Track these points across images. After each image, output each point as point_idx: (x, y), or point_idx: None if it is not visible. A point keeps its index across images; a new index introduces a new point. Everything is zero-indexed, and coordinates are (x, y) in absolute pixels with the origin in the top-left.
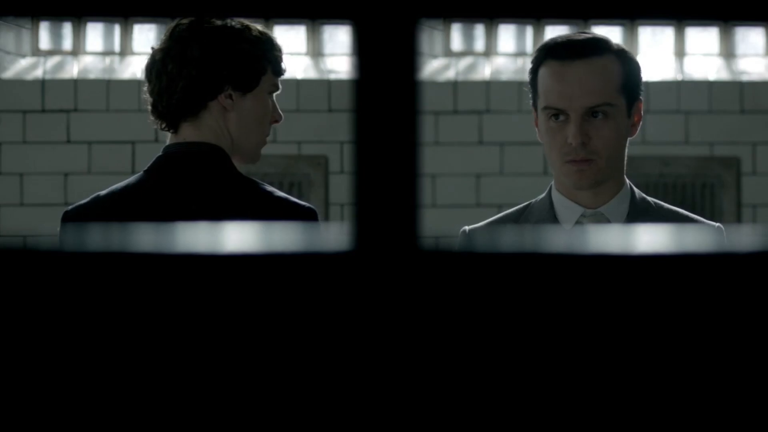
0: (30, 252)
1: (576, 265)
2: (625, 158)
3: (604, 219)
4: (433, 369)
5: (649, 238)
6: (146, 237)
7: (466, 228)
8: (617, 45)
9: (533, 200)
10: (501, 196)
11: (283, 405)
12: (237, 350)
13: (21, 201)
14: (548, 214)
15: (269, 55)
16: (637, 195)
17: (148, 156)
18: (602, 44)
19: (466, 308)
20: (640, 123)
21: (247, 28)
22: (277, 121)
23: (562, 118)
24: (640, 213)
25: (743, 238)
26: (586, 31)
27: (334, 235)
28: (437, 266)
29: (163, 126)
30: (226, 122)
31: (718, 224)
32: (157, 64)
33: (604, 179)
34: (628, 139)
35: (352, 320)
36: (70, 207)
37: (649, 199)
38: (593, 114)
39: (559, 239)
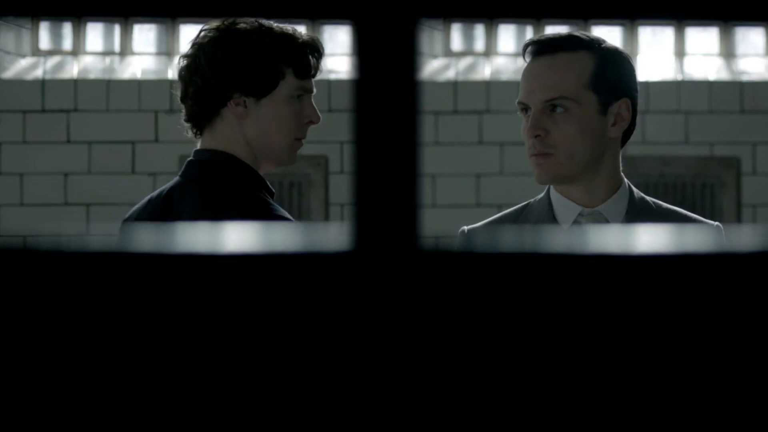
0: (30, 252)
1: (575, 265)
2: (618, 158)
3: (602, 218)
4: (433, 369)
5: (648, 238)
6: (146, 237)
7: (465, 228)
8: (603, 44)
9: (532, 200)
10: (501, 196)
11: (283, 405)
12: (237, 350)
13: (21, 201)
14: (547, 214)
15: (289, 58)
16: (635, 194)
17: (148, 156)
18: (574, 41)
19: (466, 308)
20: (628, 123)
21: (265, 31)
22: (313, 122)
23: (529, 113)
24: (638, 212)
25: (743, 238)
26: (575, 31)
27: (334, 235)
28: (437, 266)
29: (192, 132)
30: (242, 129)
31: (717, 223)
32: (180, 71)
33: (570, 175)
34: (616, 138)
35: (352, 320)
36: (127, 214)
37: (648, 198)
38: (553, 108)
39: (557, 239)
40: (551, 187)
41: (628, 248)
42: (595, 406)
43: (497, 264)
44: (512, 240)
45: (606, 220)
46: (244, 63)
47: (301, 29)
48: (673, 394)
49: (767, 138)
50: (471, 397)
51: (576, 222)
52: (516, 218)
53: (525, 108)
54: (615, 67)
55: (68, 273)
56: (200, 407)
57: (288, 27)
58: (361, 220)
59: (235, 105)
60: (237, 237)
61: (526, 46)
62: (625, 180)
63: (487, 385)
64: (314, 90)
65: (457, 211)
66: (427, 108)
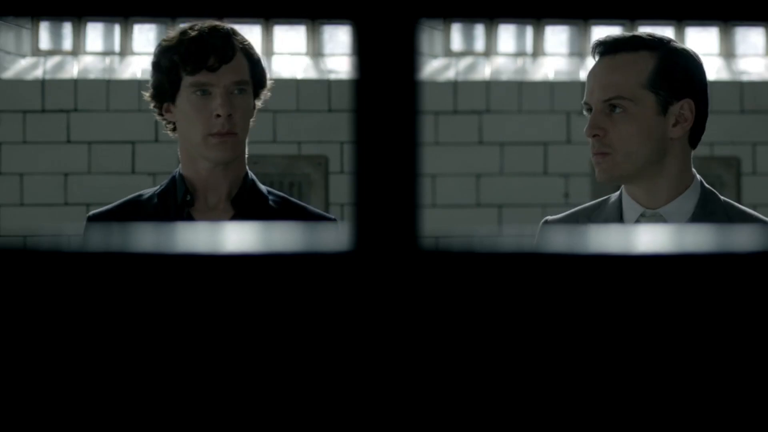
0: (30, 252)
1: (575, 265)
2: (685, 158)
3: (662, 221)
4: (434, 369)
5: (696, 239)
6: (147, 237)
7: (548, 218)
8: (669, 43)
9: (612, 194)
10: (501, 196)
11: (283, 404)
12: (237, 350)
13: (21, 201)
14: (616, 212)
15: (179, 57)
16: (708, 195)
17: (148, 156)
18: (637, 41)
19: (466, 308)
20: (691, 123)
21: (166, 39)
22: (218, 116)
23: (592, 112)
24: (706, 215)
25: (743, 238)
26: (638, 32)
27: (334, 235)
28: (437, 266)
29: None
30: (179, 132)
31: None
32: None
33: (627, 175)
34: (679, 138)
35: (352, 320)
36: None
37: (722, 199)
38: (612, 108)
39: (608, 238)
40: (623, 186)
41: (630, 248)
42: (596, 405)
43: (497, 264)
44: (568, 238)
45: (665, 222)
46: (154, 72)
47: (301, 28)
48: (673, 394)
49: (767, 138)
50: (471, 397)
51: (637, 222)
52: (591, 213)
53: (589, 108)
54: (677, 67)
55: (68, 273)
56: (201, 407)
57: (197, 23)
58: (361, 220)
59: (166, 111)
60: (238, 236)
61: (594, 46)
62: (697, 179)
63: (488, 385)
64: (222, 81)
65: (457, 211)
66: (427, 108)
